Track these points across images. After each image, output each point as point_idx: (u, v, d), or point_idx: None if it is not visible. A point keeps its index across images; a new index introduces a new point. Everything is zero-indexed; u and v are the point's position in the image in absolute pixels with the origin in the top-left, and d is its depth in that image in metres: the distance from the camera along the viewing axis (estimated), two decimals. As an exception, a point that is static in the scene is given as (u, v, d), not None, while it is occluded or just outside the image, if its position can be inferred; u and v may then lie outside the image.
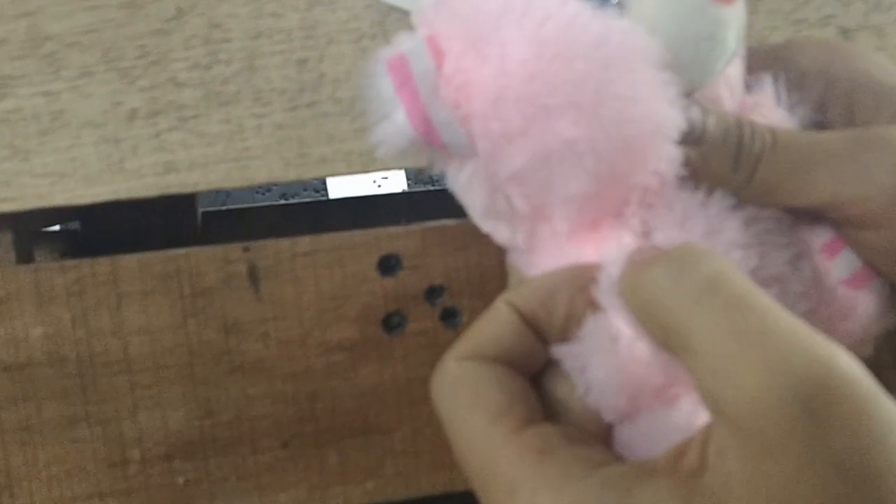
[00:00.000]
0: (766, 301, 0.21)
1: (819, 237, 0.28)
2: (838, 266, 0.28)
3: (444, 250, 0.41)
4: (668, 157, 0.26)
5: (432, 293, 0.41)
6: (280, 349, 0.41)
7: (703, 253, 0.23)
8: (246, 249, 0.40)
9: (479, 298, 0.41)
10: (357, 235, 0.41)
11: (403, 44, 0.27)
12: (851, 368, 0.19)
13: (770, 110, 0.29)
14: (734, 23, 0.26)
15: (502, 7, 0.25)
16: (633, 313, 0.24)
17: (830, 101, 0.29)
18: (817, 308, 0.28)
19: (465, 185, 0.27)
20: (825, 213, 0.27)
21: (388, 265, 0.41)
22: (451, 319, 0.42)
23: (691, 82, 0.26)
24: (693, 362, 0.21)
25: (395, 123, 0.26)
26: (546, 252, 0.28)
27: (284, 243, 0.40)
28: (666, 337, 0.23)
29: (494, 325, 0.27)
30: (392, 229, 0.41)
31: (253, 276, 0.40)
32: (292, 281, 0.40)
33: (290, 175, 0.41)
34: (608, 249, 0.26)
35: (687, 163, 0.26)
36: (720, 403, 0.20)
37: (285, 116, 0.41)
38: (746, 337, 0.20)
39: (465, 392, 0.25)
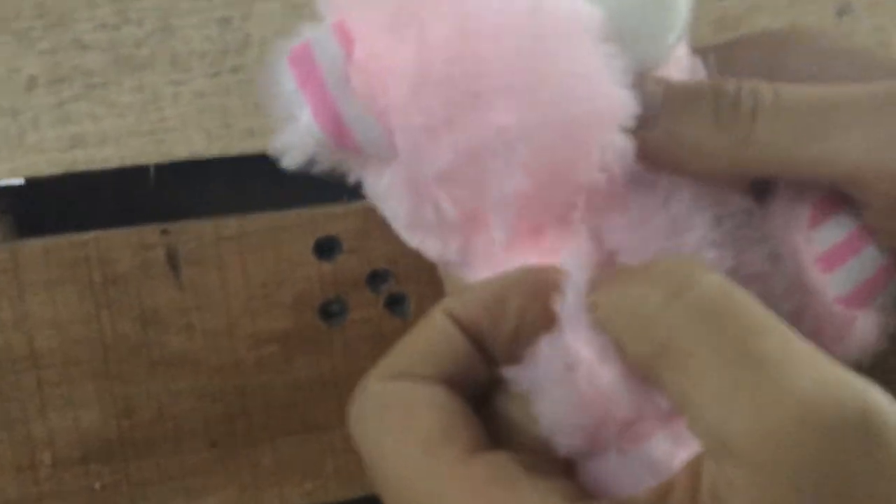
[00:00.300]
0: (778, 323, 0.18)
1: (810, 241, 0.25)
2: (836, 281, 0.24)
3: (388, 231, 0.37)
4: (617, 148, 0.22)
5: (375, 278, 0.38)
6: (205, 341, 0.37)
7: (698, 267, 0.20)
8: (164, 232, 0.36)
9: (428, 284, 0.38)
10: (290, 216, 0.37)
11: (305, 33, 0.23)
12: (887, 404, 0.17)
13: None
14: None
15: None
16: (610, 331, 0.21)
17: None
18: (803, 315, 0.24)
19: (385, 192, 0.24)
20: (841, 190, 0.23)
21: (325, 248, 0.37)
22: (398, 307, 0.38)
23: (639, 60, 0.23)
24: (688, 388, 0.18)
25: (301, 124, 0.23)
26: (483, 266, 0.25)
27: (207, 225, 0.36)
28: (655, 357, 0.19)
29: (429, 338, 0.23)
30: (330, 208, 0.37)
31: (173, 261, 0.36)
32: (217, 266, 0.37)
33: (214, 149, 0.37)
34: (567, 255, 0.23)
35: (646, 147, 0.22)
36: (724, 435, 0.17)
37: (206, 83, 0.36)
38: (762, 363, 0.17)
39: (393, 417, 0.22)
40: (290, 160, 0.24)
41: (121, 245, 0.36)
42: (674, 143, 0.23)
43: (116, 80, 0.36)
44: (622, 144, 0.22)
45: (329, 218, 0.37)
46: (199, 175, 0.38)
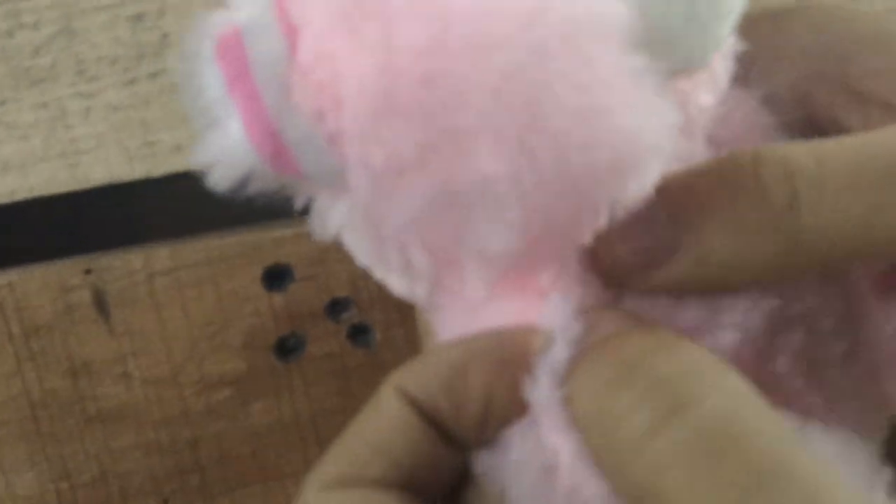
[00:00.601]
0: (804, 463, 0.14)
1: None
2: None
3: (346, 254, 0.32)
4: (642, 185, 0.17)
5: (336, 308, 0.33)
6: (147, 390, 0.32)
7: (710, 370, 0.15)
8: (88, 271, 0.31)
9: (396, 310, 0.33)
10: (232, 242, 0.32)
11: (240, 10, 0.17)
12: None
13: (712, 90, 0.20)
14: None
15: None
16: (587, 443, 0.16)
17: (822, 81, 0.20)
18: (856, 356, 0.19)
19: (340, 224, 0.18)
20: None
21: (275, 277, 0.32)
22: (362, 337, 0.33)
23: (682, 62, 0.17)
24: None
25: (229, 137, 0.17)
26: (457, 312, 0.20)
27: (136, 259, 0.31)
28: (634, 501, 0.15)
29: (379, 427, 0.18)
30: (277, 231, 0.32)
31: (100, 304, 0.32)
32: (152, 307, 0.32)
33: (137, 171, 0.31)
34: (547, 313, 0.18)
35: (668, 282, 0.17)
36: None
37: (121, 94, 0.31)
38: None
39: None
40: (219, 180, 0.18)
41: (39, 289, 0.31)
42: (700, 271, 0.17)
43: (14, 97, 0.31)
44: (645, 186, 0.17)
45: (277, 243, 0.32)
46: (123, 199, 0.32)
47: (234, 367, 0.33)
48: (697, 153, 0.19)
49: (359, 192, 0.16)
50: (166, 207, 0.32)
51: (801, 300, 0.19)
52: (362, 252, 0.19)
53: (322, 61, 0.16)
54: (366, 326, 0.33)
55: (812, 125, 0.20)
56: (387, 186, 0.16)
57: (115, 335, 0.32)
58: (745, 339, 0.18)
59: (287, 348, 0.33)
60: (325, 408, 0.34)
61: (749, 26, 0.20)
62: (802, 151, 0.16)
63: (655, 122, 0.16)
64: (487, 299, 0.19)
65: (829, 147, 0.16)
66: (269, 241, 0.32)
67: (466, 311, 0.19)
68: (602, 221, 0.17)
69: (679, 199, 0.17)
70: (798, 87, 0.20)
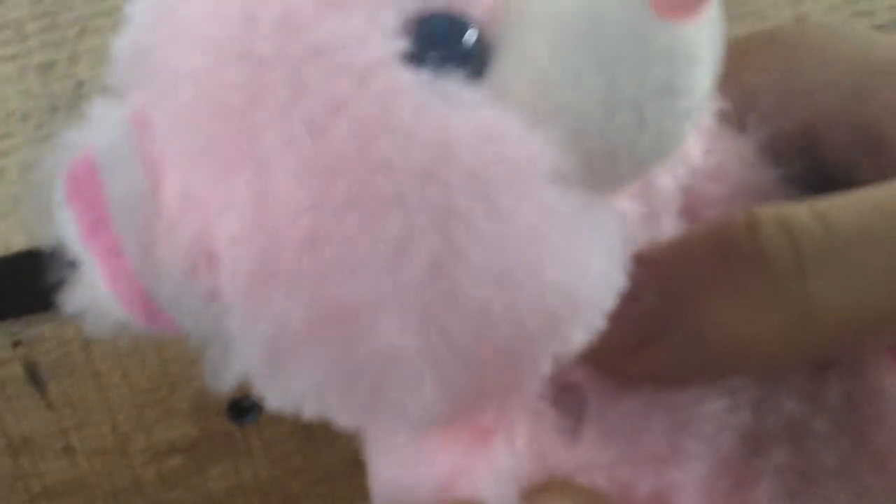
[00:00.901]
0: None
1: None
2: None
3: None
4: (588, 331, 0.14)
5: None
6: (93, 464, 0.30)
7: None
8: (17, 344, 0.29)
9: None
10: (171, 303, 0.29)
11: (96, 130, 0.14)
12: None
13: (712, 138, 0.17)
14: (703, 43, 0.14)
15: (255, 73, 0.13)
16: None
17: (833, 123, 0.17)
18: (857, 450, 0.16)
19: (240, 373, 0.16)
20: None
21: (221, 336, 0.30)
22: (322, 391, 0.31)
23: (636, 170, 0.15)
24: None
25: (95, 290, 0.14)
26: (391, 448, 0.17)
27: (68, 326, 0.29)
28: None
29: None
30: (220, 286, 0.30)
31: (34, 377, 0.29)
32: (90, 376, 0.29)
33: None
34: (488, 461, 0.16)
35: (653, 367, 0.14)
36: None
37: (36, 151, 0.28)
38: None
39: None
40: (94, 329, 0.15)
41: (-34, 365, 0.29)
42: (695, 351, 0.14)
43: (-79, 161, 0.28)
44: (592, 329, 0.14)
45: (222, 299, 0.30)
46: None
47: (185, 433, 0.31)
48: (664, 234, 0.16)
49: (249, 363, 0.14)
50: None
51: (783, 404, 0.16)
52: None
53: (189, 210, 0.13)
54: (325, 381, 0.31)
55: (819, 175, 0.17)
56: (279, 357, 0.14)
57: (54, 408, 0.30)
58: (719, 467, 0.15)
59: (241, 410, 0.31)
60: (288, 469, 0.31)
61: (743, 56, 0.17)
62: (804, 211, 0.14)
63: (595, 267, 0.13)
64: (412, 448, 0.16)
65: (833, 205, 0.14)
66: (211, 299, 0.30)
67: (402, 449, 0.17)
68: (544, 372, 0.14)
69: (667, 271, 0.14)
70: (805, 130, 0.17)
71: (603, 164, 0.13)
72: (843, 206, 0.14)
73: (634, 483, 0.15)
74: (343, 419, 0.14)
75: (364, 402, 0.14)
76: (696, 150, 0.16)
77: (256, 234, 0.13)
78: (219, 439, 0.31)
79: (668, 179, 0.16)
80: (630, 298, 0.14)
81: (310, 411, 0.15)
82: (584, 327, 0.13)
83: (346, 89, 0.12)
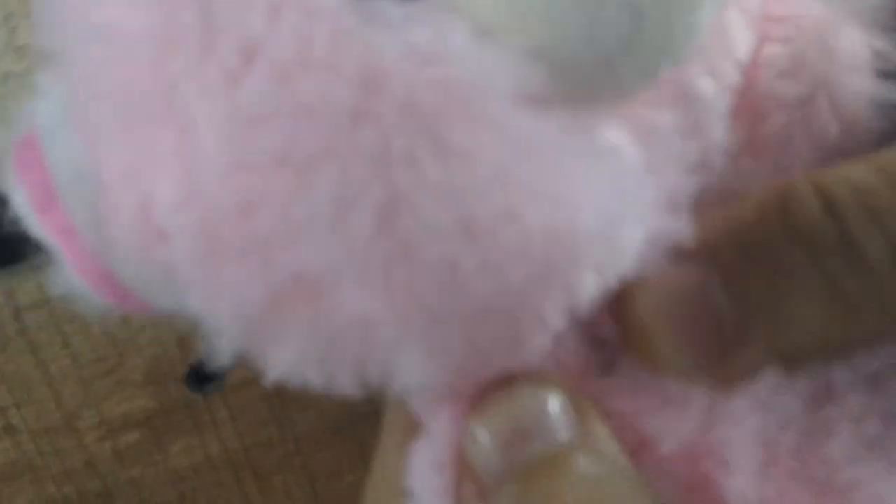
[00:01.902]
0: None
1: None
2: None
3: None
4: (604, 273, 0.12)
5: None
6: (39, 443, 0.27)
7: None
8: (-62, 315, 0.25)
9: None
10: (113, 262, 0.26)
11: (41, 100, 0.12)
12: None
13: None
14: None
15: (165, 17, 0.11)
16: None
17: None
18: None
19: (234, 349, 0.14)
20: None
21: (174, 297, 0.26)
22: (293, 352, 0.27)
23: (642, 71, 0.11)
24: None
25: (66, 272, 0.13)
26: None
27: (-2, 295, 0.25)
28: None
29: None
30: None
31: (-38, 352, 0.26)
32: (28, 347, 0.26)
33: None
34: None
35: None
36: None
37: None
38: None
39: None
40: (85, 309, 0.13)
41: None
42: (781, 355, 0.12)
43: None
44: (612, 269, 0.12)
45: (171, 255, 0.26)
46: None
47: (141, 406, 0.27)
48: (713, 155, 0.14)
49: (226, 338, 0.12)
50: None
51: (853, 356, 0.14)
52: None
53: (128, 181, 0.12)
54: (296, 342, 0.27)
55: None
56: (252, 331, 0.12)
57: (-12, 385, 0.26)
58: (779, 421, 0.14)
59: (203, 377, 0.27)
60: (260, 441, 0.28)
61: None
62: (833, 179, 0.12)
63: (592, 200, 0.11)
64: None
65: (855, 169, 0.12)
66: (159, 255, 0.26)
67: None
68: (556, 326, 0.12)
69: (731, 264, 0.12)
70: None
71: (590, 75, 0.11)
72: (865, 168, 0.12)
73: (661, 437, 0.13)
74: (342, 388, 0.12)
75: (352, 371, 0.12)
76: (748, 39, 0.14)
77: (192, 200, 0.11)
78: (179, 411, 0.28)
79: (707, 81, 0.13)
80: (698, 303, 0.12)
81: (312, 380, 0.13)
82: (595, 269, 0.12)
83: (259, 25, 0.11)
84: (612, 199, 0.11)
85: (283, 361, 0.12)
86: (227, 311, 0.12)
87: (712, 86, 0.13)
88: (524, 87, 0.11)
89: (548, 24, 0.11)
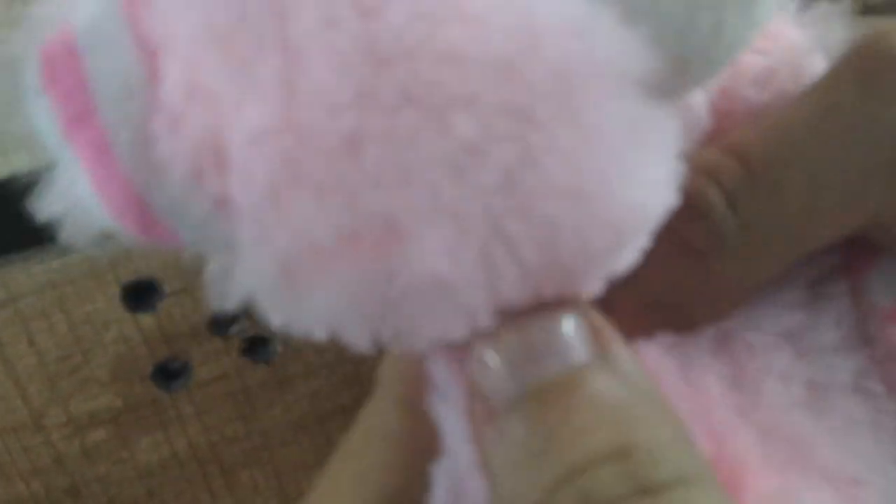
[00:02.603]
0: None
1: (873, 293, 0.15)
2: None
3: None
4: (635, 252, 0.13)
5: (221, 322, 0.27)
6: (6, 441, 0.27)
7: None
8: None
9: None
10: (75, 261, 0.26)
11: (74, 3, 0.12)
12: None
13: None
14: None
15: None
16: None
17: None
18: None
19: (246, 292, 0.14)
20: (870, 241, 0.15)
21: (139, 295, 0.27)
22: (261, 349, 0.28)
23: (698, 77, 0.13)
24: None
25: (78, 192, 0.12)
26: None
27: (-38, 294, 0.25)
28: None
29: None
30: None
31: (-74, 351, 0.26)
32: (-8, 346, 0.26)
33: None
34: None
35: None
36: None
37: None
38: None
39: None
40: (73, 237, 0.13)
41: None
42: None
43: None
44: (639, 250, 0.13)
45: (135, 254, 0.26)
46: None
47: (107, 403, 0.27)
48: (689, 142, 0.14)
49: (261, 280, 0.11)
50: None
51: (782, 315, 0.15)
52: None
53: (196, 102, 0.11)
54: (263, 338, 0.28)
55: None
56: (296, 276, 0.11)
57: (-47, 384, 0.26)
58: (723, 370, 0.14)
59: (168, 374, 0.28)
60: (228, 435, 0.28)
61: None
62: (730, 148, 0.14)
63: (659, 183, 0.12)
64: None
65: (755, 139, 0.14)
66: (123, 254, 0.26)
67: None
68: (596, 291, 0.13)
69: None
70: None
71: (675, 69, 0.12)
72: (783, 133, 0.14)
73: None
74: (363, 345, 0.12)
75: (395, 330, 0.12)
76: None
77: (283, 131, 0.11)
78: (145, 408, 0.28)
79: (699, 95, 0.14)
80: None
81: (321, 335, 0.12)
82: (634, 247, 0.12)
83: None
84: (668, 182, 0.12)
85: (316, 312, 0.12)
86: (279, 250, 0.11)
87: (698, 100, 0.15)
88: (646, 72, 0.11)
89: (657, 17, 0.11)
